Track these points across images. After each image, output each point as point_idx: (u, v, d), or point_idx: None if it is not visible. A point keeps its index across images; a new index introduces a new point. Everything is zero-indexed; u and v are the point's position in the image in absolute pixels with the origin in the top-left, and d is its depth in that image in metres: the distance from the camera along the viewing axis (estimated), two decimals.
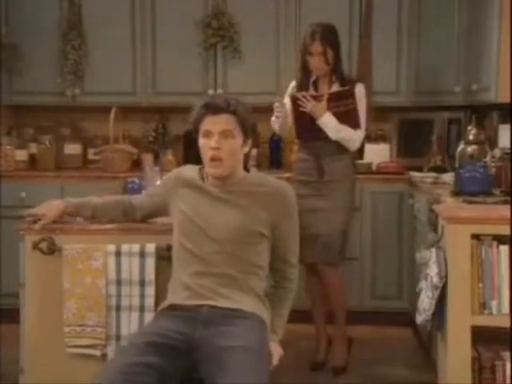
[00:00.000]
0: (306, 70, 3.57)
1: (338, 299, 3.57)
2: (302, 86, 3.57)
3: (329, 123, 3.43)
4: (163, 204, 2.53)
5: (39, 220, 2.57)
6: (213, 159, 2.35)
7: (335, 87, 3.52)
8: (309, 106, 3.42)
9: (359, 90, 3.50)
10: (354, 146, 3.54)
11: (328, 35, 3.48)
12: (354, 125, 3.47)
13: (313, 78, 3.58)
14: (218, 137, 2.34)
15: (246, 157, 2.49)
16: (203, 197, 2.41)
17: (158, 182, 2.75)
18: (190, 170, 2.52)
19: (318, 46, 3.44)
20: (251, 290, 2.36)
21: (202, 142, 2.38)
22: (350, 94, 3.45)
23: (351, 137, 3.49)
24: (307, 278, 3.62)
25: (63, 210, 2.59)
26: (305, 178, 3.57)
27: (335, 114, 3.43)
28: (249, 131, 2.41)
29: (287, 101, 3.55)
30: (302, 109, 3.44)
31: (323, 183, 3.52)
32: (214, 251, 2.34)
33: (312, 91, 3.54)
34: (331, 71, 3.53)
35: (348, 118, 3.44)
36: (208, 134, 2.35)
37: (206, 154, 2.38)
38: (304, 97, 3.43)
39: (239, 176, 2.44)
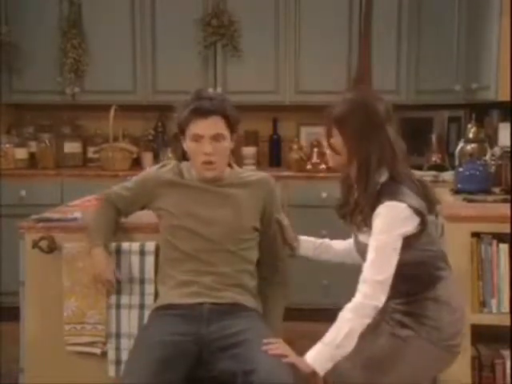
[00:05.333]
0: None
1: None
2: None
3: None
4: (145, 206, 2.49)
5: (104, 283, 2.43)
6: (206, 163, 2.35)
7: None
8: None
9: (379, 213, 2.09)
10: None
11: (339, 112, 2.15)
12: None
13: None
14: (209, 141, 2.32)
15: (231, 152, 2.47)
16: (191, 194, 2.39)
17: (131, 185, 2.53)
18: (167, 170, 2.47)
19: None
20: (246, 288, 2.37)
21: (192, 145, 2.35)
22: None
23: None
24: None
25: (108, 252, 2.44)
26: None
27: None
28: (235, 127, 2.41)
29: None
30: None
31: None
32: (209, 250, 2.33)
33: None
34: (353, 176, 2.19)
35: None
36: (198, 139, 2.33)
37: (197, 158, 2.36)
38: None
39: (226, 170, 2.45)
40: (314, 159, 4.41)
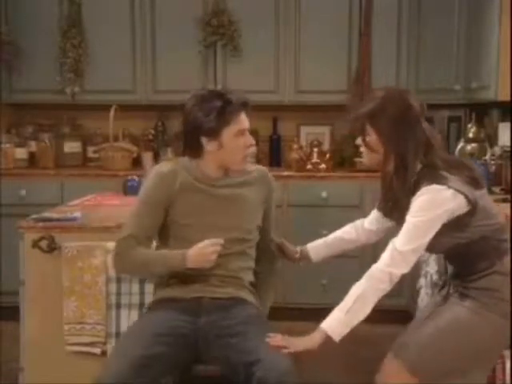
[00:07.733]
0: None
1: None
2: None
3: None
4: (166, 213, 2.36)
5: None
6: (248, 154, 2.36)
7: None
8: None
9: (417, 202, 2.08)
10: None
11: (373, 109, 2.15)
12: None
13: None
14: (248, 133, 2.34)
15: None
16: (199, 199, 2.33)
17: (144, 196, 2.34)
18: (169, 171, 2.36)
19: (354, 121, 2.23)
20: (245, 284, 2.38)
21: (235, 141, 2.28)
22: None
23: None
24: None
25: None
26: None
27: None
28: None
29: None
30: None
31: None
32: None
33: None
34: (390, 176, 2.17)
35: None
36: (244, 132, 2.32)
37: (240, 152, 2.31)
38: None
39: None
40: (314, 159, 4.41)
